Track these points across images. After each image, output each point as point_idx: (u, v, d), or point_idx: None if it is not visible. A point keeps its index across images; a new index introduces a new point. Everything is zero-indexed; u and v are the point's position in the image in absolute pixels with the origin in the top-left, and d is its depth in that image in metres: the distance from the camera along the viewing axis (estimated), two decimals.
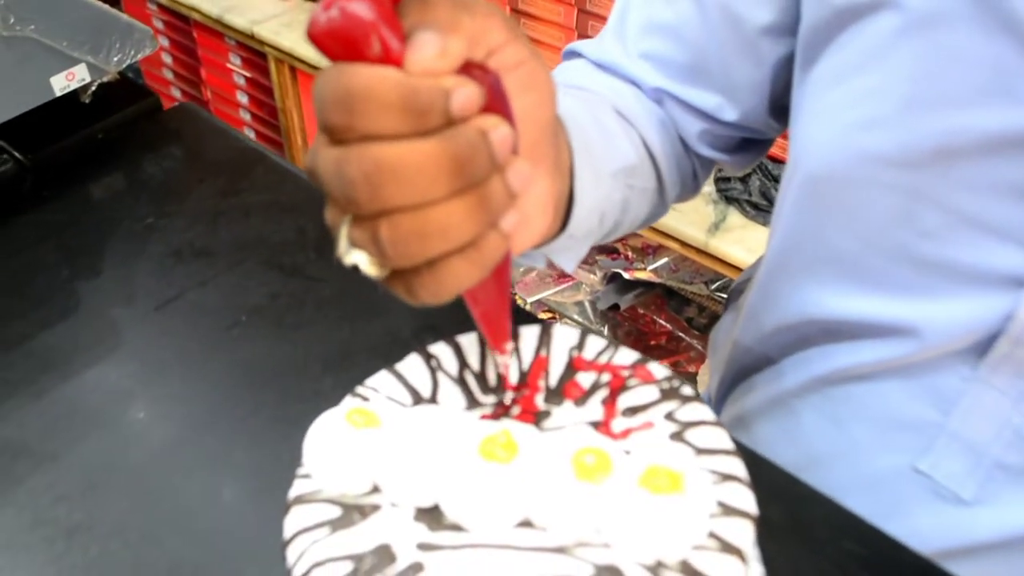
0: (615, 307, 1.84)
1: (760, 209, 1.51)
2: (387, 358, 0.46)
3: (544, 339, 0.48)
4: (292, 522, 0.41)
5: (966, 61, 0.47)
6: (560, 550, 0.39)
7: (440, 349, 0.48)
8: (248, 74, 2.23)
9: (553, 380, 0.46)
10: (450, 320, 0.49)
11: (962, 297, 0.51)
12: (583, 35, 1.62)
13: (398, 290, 0.39)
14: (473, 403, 0.45)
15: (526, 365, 0.46)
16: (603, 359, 0.46)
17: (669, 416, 0.43)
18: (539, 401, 0.45)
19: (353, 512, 0.41)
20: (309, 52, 1.96)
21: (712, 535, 0.38)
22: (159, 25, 2.37)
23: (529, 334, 0.48)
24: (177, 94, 2.50)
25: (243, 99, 2.30)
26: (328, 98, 0.33)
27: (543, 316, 1.81)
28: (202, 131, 0.82)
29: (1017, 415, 0.51)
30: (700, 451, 0.42)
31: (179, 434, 0.57)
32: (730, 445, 0.42)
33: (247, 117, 2.33)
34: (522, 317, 0.57)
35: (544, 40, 1.67)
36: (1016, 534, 0.53)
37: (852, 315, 0.56)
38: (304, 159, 0.37)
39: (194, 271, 0.67)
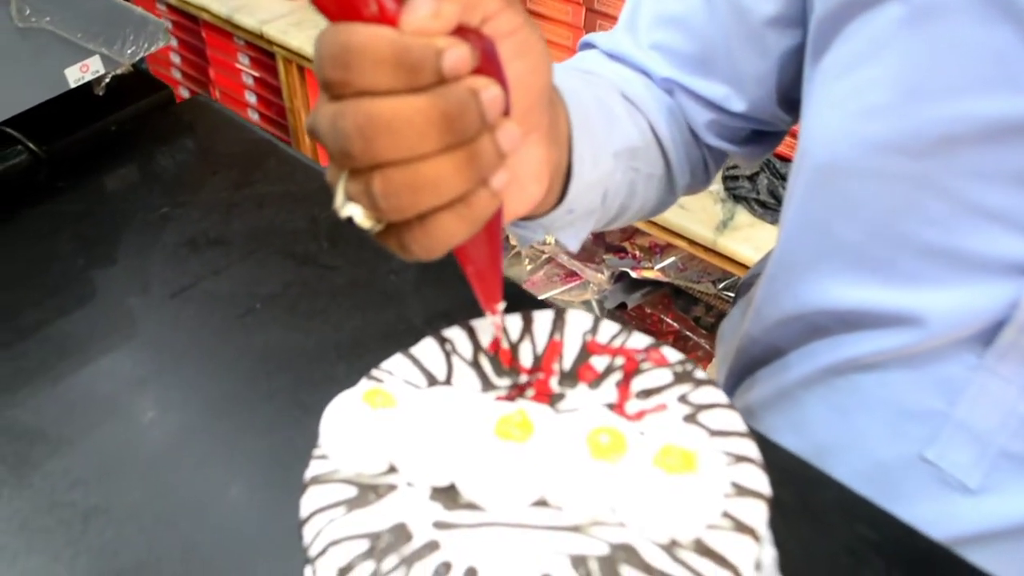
0: (622, 306, 1.84)
1: (768, 208, 1.51)
2: (400, 345, 0.47)
3: (558, 324, 0.48)
4: (308, 502, 0.42)
5: (968, 50, 0.47)
6: (575, 529, 0.39)
7: (454, 333, 0.48)
8: (257, 74, 2.24)
9: (567, 364, 0.46)
10: (463, 307, 0.50)
11: (967, 286, 0.51)
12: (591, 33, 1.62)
13: (391, 244, 0.40)
14: (488, 386, 0.45)
15: (540, 349, 0.47)
16: (617, 343, 0.46)
17: (683, 399, 0.43)
18: (553, 384, 0.45)
19: (369, 492, 0.41)
20: None
21: (726, 515, 0.39)
22: (168, 25, 2.38)
23: (543, 319, 0.48)
24: (186, 94, 2.51)
25: (251, 99, 2.31)
26: (326, 54, 0.35)
27: None
28: (215, 123, 0.83)
29: (1023, 404, 0.51)
30: (714, 433, 0.42)
31: (193, 420, 0.58)
32: (743, 427, 0.42)
33: (255, 116, 2.33)
34: (536, 305, 0.57)
35: (552, 39, 1.67)
36: (1022, 522, 0.54)
37: (858, 305, 0.56)
38: (306, 121, 0.39)
39: (208, 260, 0.67)
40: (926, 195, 0.51)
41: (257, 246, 0.68)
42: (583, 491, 0.39)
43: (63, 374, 0.60)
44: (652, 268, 1.82)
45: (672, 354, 0.46)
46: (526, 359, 0.46)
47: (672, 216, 1.54)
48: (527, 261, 1.96)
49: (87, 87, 0.79)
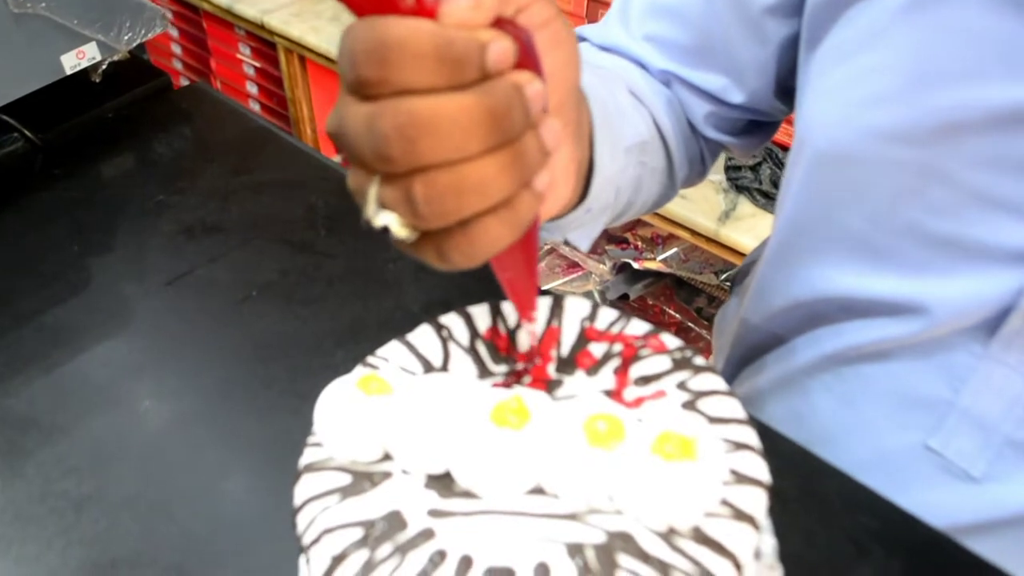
0: (624, 297, 1.83)
1: (770, 198, 1.51)
2: (398, 333, 0.46)
3: (556, 310, 0.47)
4: (302, 490, 0.41)
5: (973, 36, 0.46)
6: (572, 517, 0.38)
7: (451, 319, 0.47)
8: (258, 64, 2.23)
9: (565, 350, 0.45)
10: (461, 294, 0.49)
11: (972, 274, 0.51)
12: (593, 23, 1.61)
13: (427, 254, 0.38)
14: (484, 372, 0.45)
15: (538, 335, 0.46)
16: (615, 329, 0.46)
17: (681, 385, 0.43)
18: (551, 370, 0.45)
19: (364, 479, 0.41)
20: (319, 42, 1.96)
21: (725, 502, 0.38)
22: (168, 15, 2.37)
23: (541, 305, 0.47)
24: (187, 84, 2.50)
25: (253, 89, 2.30)
26: (360, 50, 0.33)
27: None
28: (213, 110, 0.82)
29: None
30: (713, 420, 0.41)
31: (189, 408, 0.57)
32: (743, 414, 0.42)
33: (257, 107, 2.33)
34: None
35: None
36: None
37: (861, 293, 0.56)
38: (327, 123, 0.36)
39: (205, 248, 0.67)
40: (930, 183, 0.50)
41: (254, 234, 0.68)
42: (580, 479, 0.38)
43: (57, 362, 0.60)
44: (654, 259, 1.82)
45: (671, 340, 0.45)
46: (523, 345, 0.46)
47: (674, 207, 1.53)
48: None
49: (84, 74, 0.79)
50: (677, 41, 0.63)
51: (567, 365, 0.45)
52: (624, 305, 1.83)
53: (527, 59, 0.35)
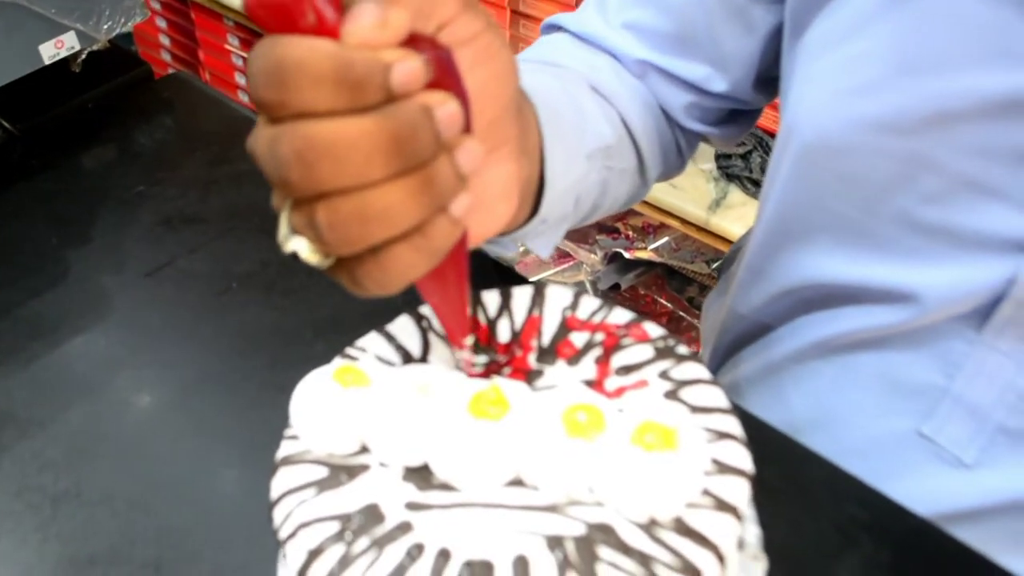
0: (616, 287, 1.83)
1: (761, 186, 1.50)
2: (379, 324, 0.46)
3: (537, 299, 0.47)
4: (279, 483, 0.41)
5: (961, 23, 0.46)
6: (552, 508, 0.38)
7: (431, 310, 0.47)
8: (246, 55, 2.22)
9: (546, 340, 0.45)
10: None
11: (964, 262, 0.50)
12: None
13: (343, 280, 0.37)
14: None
15: (519, 325, 0.46)
16: (597, 318, 0.45)
17: (664, 375, 0.42)
18: (531, 360, 0.44)
19: (341, 472, 0.40)
20: None
21: (707, 493, 0.37)
22: (156, 6, 2.36)
23: (522, 294, 0.47)
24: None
25: (241, 80, 2.29)
26: (259, 72, 0.31)
27: None
28: (195, 100, 0.81)
29: (1021, 378, 0.50)
30: (695, 409, 0.41)
31: (168, 401, 0.57)
32: (726, 403, 0.41)
33: (245, 98, 2.31)
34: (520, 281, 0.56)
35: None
36: (1017, 498, 0.53)
37: (852, 280, 0.55)
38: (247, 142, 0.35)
39: (185, 238, 0.66)
40: (921, 171, 0.50)
41: (235, 224, 0.67)
42: (559, 470, 0.38)
43: (35, 355, 0.59)
44: (645, 248, 1.81)
45: (654, 329, 0.44)
46: (504, 335, 0.45)
47: (665, 196, 1.52)
48: (519, 243, 1.95)
49: (63, 64, 0.78)
50: (658, 29, 0.62)
51: (548, 355, 0.44)
52: (615, 295, 1.83)
53: (445, 78, 0.34)
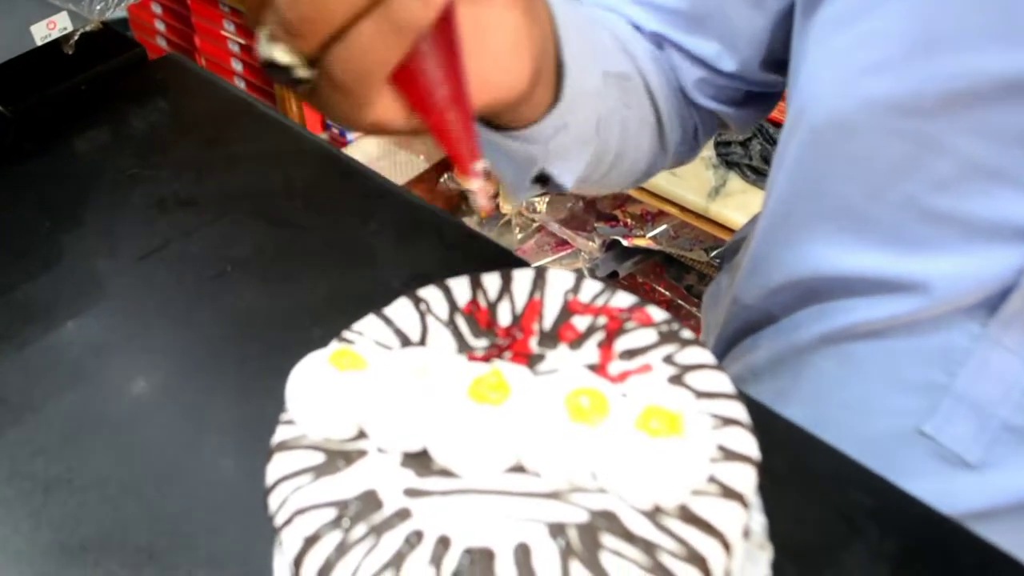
0: (614, 275, 1.82)
1: (761, 173, 1.49)
2: (376, 308, 0.45)
3: (538, 283, 0.46)
4: (274, 469, 0.40)
5: (976, 1, 0.45)
6: (554, 495, 0.37)
7: (430, 292, 0.46)
8: (243, 41, 2.20)
9: (547, 323, 0.44)
10: (443, 269, 0.47)
11: (974, 251, 0.49)
12: None
13: (324, 96, 0.36)
14: (464, 347, 0.43)
15: (520, 308, 0.45)
16: (599, 302, 0.44)
17: (668, 359, 0.41)
18: (532, 344, 0.43)
19: (338, 458, 0.39)
20: None
21: (712, 480, 0.37)
22: None
23: (523, 277, 0.46)
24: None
25: (238, 66, 2.27)
26: None
27: None
28: (188, 82, 0.80)
29: None
30: (700, 394, 0.40)
31: (162, 386, 0.56)
32: (731, 389, 0.40)
33: (242, 84, 2.30)
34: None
35: None
36: (1022, 498, 0.52)
37: (859, 271, 0.54)
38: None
39: (179, 221, 0.65)
40: (931, 155, 0.49)
41: (229, 207, 0.66)
42: (562, 456, 0.37)
43: (27, 340, 0.58)
44: (644, 236, 1.80)
45: (657, 313, 0.44)
46: (505, 319, 0.44)
47: (664, 183, 1.51)
48: (517, 230, 1.94)
49: (55, 45, 0.76)
50: (669, 5, 0.61)
51: (549, 339, 0.43)
52: (614, 283, 1.82)
53: None
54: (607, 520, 0.36)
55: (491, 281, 0.46)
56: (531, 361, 0.42)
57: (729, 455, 0.37)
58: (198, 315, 0.59)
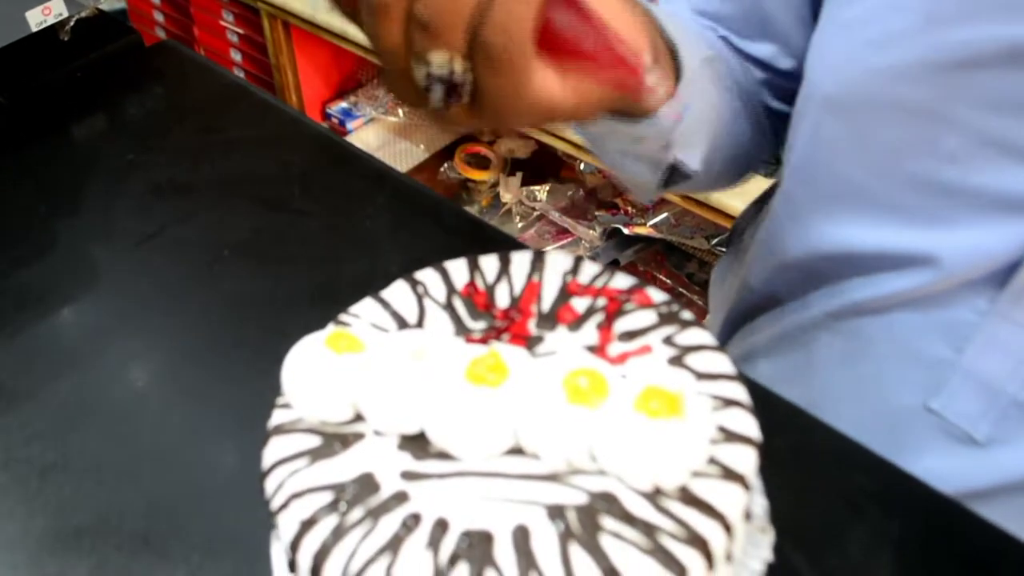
0: (615, 263, 1.81)
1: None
2: (375, 292, 0.44)
3: (537, 264, 0.45)
4: (271, 453, 0.39)
5: None
6: (552, 477, 0.36)
7: (427, 275, 0.45)
8: (241, 31, 2.19)
9: (546, 305, 0.43)
10: (440, 253, 0.47)
11: (983, 224, 0.49)
12: None
13: (486, 84, 0.38)
14: (462, 329, 0.43)
15: (518, 290, 0.44)
16: (599, 283, 0.44)
17: (668, 340, 0.41)
18: (531, 326, 0.43)
19: (334, 441, 0.39)
20: (303, 7, 1.92)
21: (713, 461, 0.36)
22: None
23: (521, 259, 0.46)
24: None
25: (237, 56, 2.26)
26: None
27: None
28: (184, 68, 0.79)
29: None
30: (701, 376, 0.39)
31: (158, 371, 0.55)
32: (732, 370, 0.40)
33: (241, 74, 2.29)
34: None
35: None
36: None
37: (868, 246, 0.54)
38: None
39: (175, 207, 0.65)
40: (941, 128, 0.48)
41: (226, 192, 0.66)
42: (560, 437, 0.36)
43: (23, 326, 0.57)
44: (644, 224, 1.80)
45: (657, 294, 0.43)
46: (503, 301, 0.44)
47: None
48: (518, 219, 1.93)
49: (51, 31, 0.76)
50: (722, 13, 0.62)
51: (548, 321, 0.43)
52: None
53: None
54: (607, 502, 0.35)
55: (489, 263, 0.45)
56: (529, 343, 0.42)
57: (730, 436, 0.37)
58: (195, 300, 0.59)
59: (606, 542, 0.34)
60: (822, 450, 0.48)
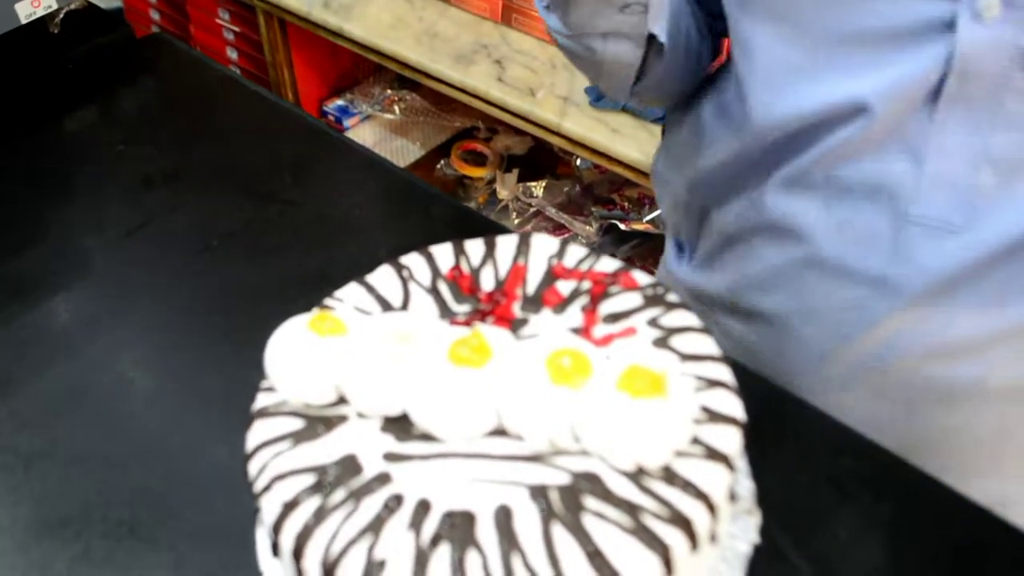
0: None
1: None
2: None
3: (523, 248, 0.45)
4: (254, 436, 0.39)
5: None
6: (536, 458, 0.36)
7: (412, 259, 0.45)
8: (237, 29, 2.19)
9: (531, 288, 0.43)
10: (429, 241, 0.47)
11: (902, 57, 0.51)
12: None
13: None
14: (446, 312, 0.43)
15: (503, 273, 0.44)
16: (584, 266, 0.44)
17: (653, 322, 0.41)
18: (515, 309, 0.42)
19: (318, 424, 0.39)
20: (299, 5, 1.92)
21: (696, 441, 0.36)
22: None
23: (507, 243, 0.45)
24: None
25: (233, 54, 2.26)
26: None
27: None
28: (175, 60, 0.79)
29: (980, 142, 0.52)
30: (685, 357, 0.39)
31: (147, 360, 0.55)
32: (716, 351, 0.40)
33: (237, 73, 2.29)
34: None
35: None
36: (1013, 239, 0.53)
37: (808, 107, 0.56)
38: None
39: (165, 197, 0.64)
40: None
41: (216, 182, 0.65)
42: (543, 418, 0.36)
43: (13, 315, 0.57)
44: (641, 220, 1.79)
45: (642, 277, 0.43)
46: (488, 284, 0.44)
47: None
48: (515, 215, 1.93)
49: (41, 23, 0.76)
50: None
51: (533, 303, 0.43)
52: None
53: None
54: (589, 482, 0.35)
55: (474, 247, 0.45)
56: (514, 325, 0.42)
57: (714, 416, 0.37)
58: (184, 289, 0.59)
59: (589, 522, 0.34)
60: (810, 432, 0.48)
